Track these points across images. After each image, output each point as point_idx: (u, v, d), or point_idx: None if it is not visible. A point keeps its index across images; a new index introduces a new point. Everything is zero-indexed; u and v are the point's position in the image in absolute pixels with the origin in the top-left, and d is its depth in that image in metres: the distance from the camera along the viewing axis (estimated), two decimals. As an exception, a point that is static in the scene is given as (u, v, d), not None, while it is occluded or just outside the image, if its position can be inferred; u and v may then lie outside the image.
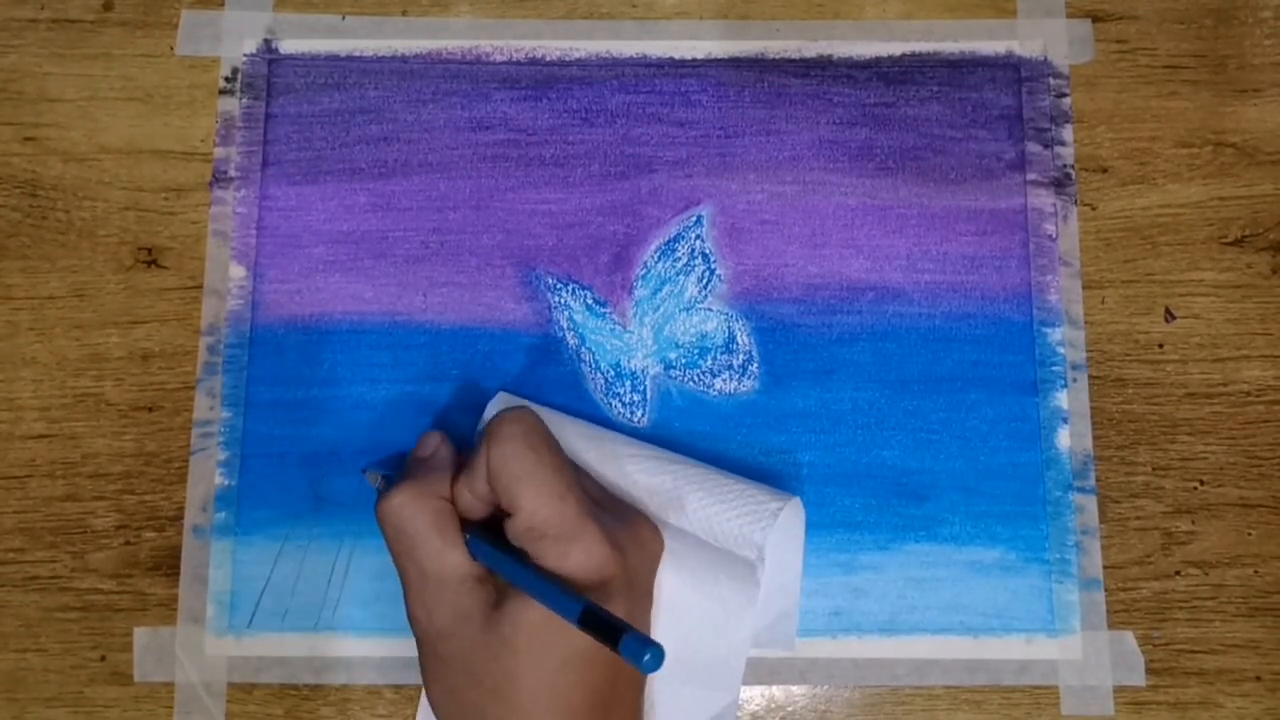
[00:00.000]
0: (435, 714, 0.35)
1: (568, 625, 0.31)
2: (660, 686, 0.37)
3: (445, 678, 0.34)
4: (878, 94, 0.45)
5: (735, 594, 0.37)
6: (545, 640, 0.32)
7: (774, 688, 0.41)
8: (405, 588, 0.34)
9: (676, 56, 0.45)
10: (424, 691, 0.35)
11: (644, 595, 0.36)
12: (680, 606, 0.37)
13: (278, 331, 0.43)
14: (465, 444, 0.40)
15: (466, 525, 0.35)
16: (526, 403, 0.40)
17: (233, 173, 0.44)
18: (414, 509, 0.34)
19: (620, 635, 0.29)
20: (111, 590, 0.41)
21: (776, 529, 0.37)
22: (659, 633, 0.37)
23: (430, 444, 0.38)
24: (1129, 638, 0.41)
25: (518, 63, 0.45)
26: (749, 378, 0.42)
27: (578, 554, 0.33)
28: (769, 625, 0.39)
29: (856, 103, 0.45)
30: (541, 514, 0.33)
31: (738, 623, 0.37)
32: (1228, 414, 0.43)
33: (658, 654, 0.29)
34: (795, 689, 0.41)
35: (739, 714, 0.41)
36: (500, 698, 0.32)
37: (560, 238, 0.43)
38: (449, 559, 0.34)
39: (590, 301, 0.43)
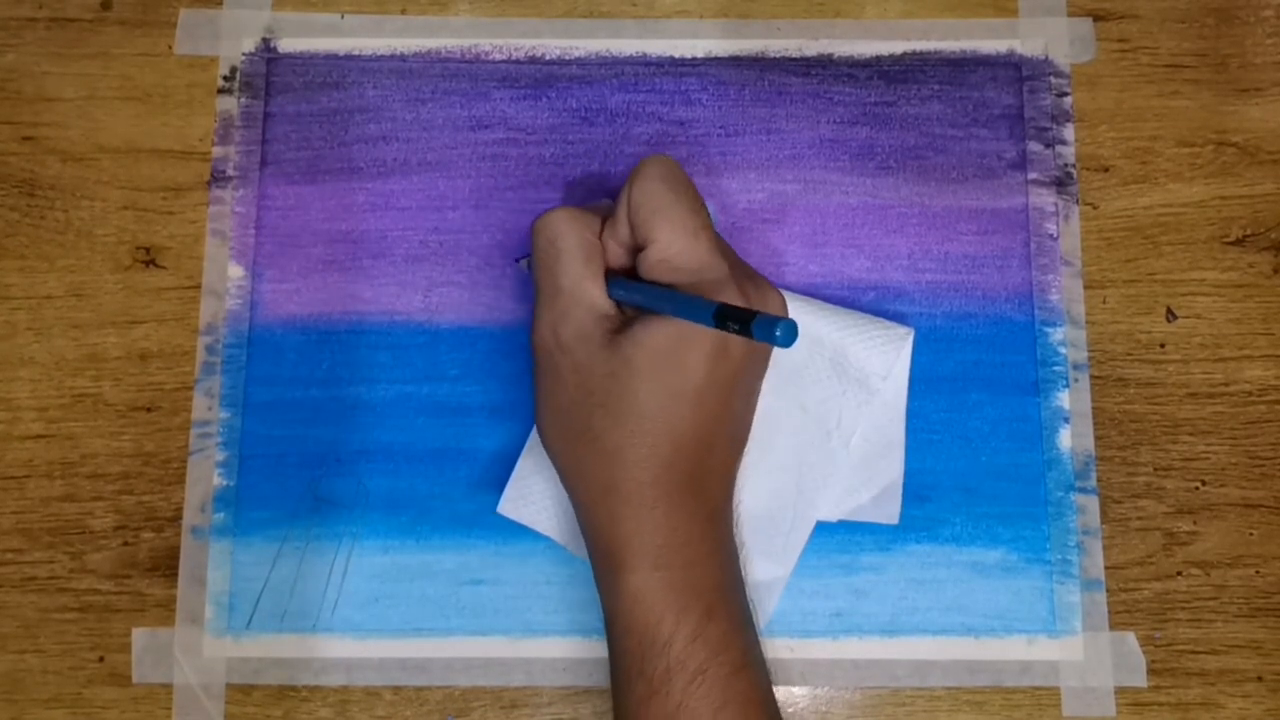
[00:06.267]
0: (543, 437, 0.36)
1: (685, 357, 0.33)
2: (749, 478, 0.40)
3: (558, 393, 0.35)
4: (879, 93, 0.45)
5: (851, 400, 0.40)
6: (663, 365, 0.33)
7: (774, 689, 0.40)
8: (539, 301, 0.36)
9: (676, 55, 0.45)
10: (514, 477, 0.40)
11: (765, 354, 0.37)
12: (783, 415, 0.40)
13: (276, 331, 0.43)
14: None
15: (607, 274, 0.36)
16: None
17: (231, 172, 0.44)
18: (568, 228, 0.35)
19: (752, 321, 0.30)
20: (110, 591, 0.41)
21: (883, 402, 0.40)
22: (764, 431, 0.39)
23: (602, 203, 0.39)
24: (1130, 638, 0.41)
25: (517, 62, 0.45)
26: (749, 378, 0.42)
27: (706, 287, 0.34)
28: (875, 498, 0.41)
29: (857, 102, 0.45)
30: (675, 246, 0.34)
31: (845, 433, 0.40)
32: (1229, 414, 0.42)
33: (789, 328, 0.29)
34: (796, 690, 0.40)
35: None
36: (609, 411, 0.34)
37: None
38: (587, 286, 0.35)
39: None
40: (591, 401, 0.34)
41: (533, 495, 0.41)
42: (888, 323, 0.41)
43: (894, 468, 0.41)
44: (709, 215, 0.35)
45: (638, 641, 0.33)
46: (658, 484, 0.34)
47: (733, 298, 0.34)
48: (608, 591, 0.35)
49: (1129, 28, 0.46)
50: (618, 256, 0.36)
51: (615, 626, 0.34)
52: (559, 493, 0.40)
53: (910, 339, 0.40)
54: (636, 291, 0.35)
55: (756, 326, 0.30)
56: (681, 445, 0.34)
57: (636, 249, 0.36)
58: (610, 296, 0.35)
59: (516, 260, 0.43)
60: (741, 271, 0.36)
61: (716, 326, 0.31)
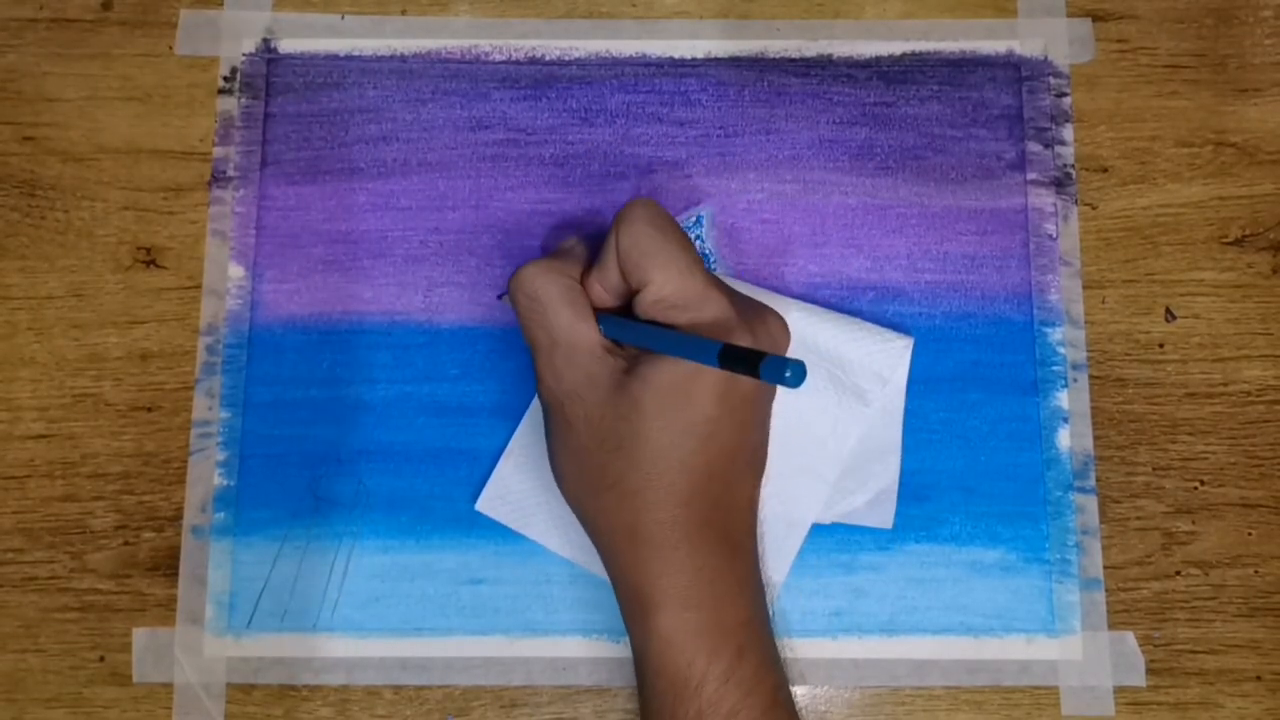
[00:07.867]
0: (561, 486, 0.36)
1: (694, 392, 0.33)
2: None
3: (571, 440, 0.35)
4: (878, 93, 0.45)
5: (846, 409, 0.40)
6: (672, 402, 0.33)
7: (774, 688, 0.40)
8: (536, 355, 0.36)
9: (676, 56, 0.45)
10: (493, 476, 0.40)
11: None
12: (791, 412, 0.39)
13: (276, 331, 0.43)
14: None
15: (597, 313, 0.36)
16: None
17: (231, 172, 0.44)
18: (546, 280, 0.35)
19: (759, 362, 0.29)
20: (110, 591, 0.41)
21: (880, 407, 0.40)
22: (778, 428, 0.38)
23: (568, 242, 0.39)
24: (1129, 638, 0.41)
25: (517, 62, 0.45)
26: (749, 377, 0.42)
27: (708, 319, 0.34)
28: (869, 502, 0.41)
29: (857, 102, 0.45)
30: (670, 286, 0.34)
31: (840, 440, 0.40)
32: (1228, 414, 0.42)
33: (798, 370, 0.29)
34: (796, 690, 0.40)
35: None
36: (624, 455, 0.33)
37: (560, 238, 0.43)
38: (580, 329, 0.35)
39: (590, 301, 0.43)
40: (606, 446, 0.34)
41: (511, 495, 0.41)
42: (888, 333, 0.41)
43: (889, 472, 0.41)
44: (695, 251, 0.35)
45: (669, 683, 0.33)
46: (678, 524, 0.33)
47: (739, 331, 0.33)
48: (638, 633, 0.34)
49: (1128, 28, 0.46)
50: (604, 299, 0.36)
51: (646, 668, 0.34)
52: (537, 494, 0.41)
53: (909, 349, 0.40)
54: (636, 332, 0.35)
55: (765, 368, 0.29)
56: (698, 482, 0.34)
57: (629, 293, 0.36)
58: (607, 337, 0.35)
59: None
60: (740, 300, 0.35)
61: (721, 367, 0.31)
